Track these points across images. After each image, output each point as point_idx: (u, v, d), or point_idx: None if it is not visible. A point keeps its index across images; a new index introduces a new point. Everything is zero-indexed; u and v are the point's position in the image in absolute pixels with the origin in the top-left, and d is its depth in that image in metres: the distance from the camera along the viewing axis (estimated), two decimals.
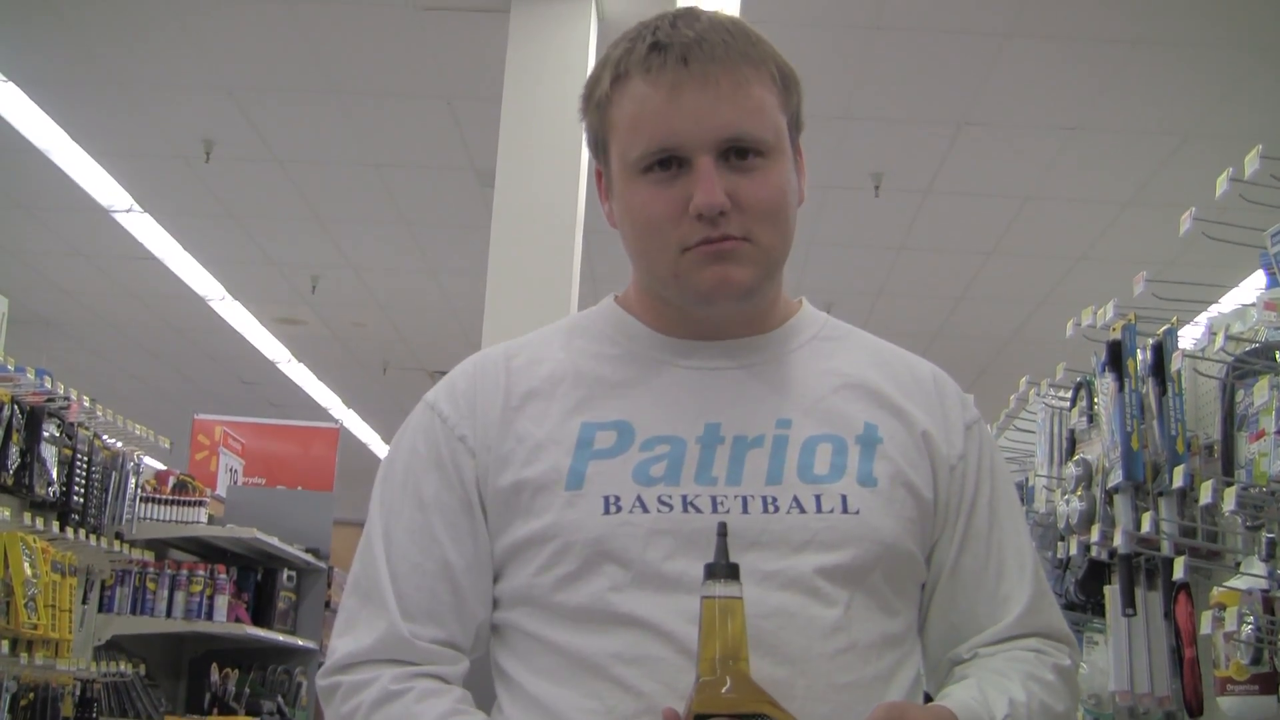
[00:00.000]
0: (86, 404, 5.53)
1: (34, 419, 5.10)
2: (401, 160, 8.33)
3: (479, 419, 1.61)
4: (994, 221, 8.85)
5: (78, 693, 5.65)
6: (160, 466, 7.65)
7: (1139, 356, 3.13)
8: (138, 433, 6.08)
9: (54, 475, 5.25)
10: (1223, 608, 2.64)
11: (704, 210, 1.51)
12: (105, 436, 5.90)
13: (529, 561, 1.54)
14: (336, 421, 12.62)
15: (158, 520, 6.55)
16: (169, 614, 6.52)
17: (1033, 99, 7.17)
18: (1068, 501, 3.41)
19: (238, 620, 6.78)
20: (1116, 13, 6.28)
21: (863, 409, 1.62)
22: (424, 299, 10.94)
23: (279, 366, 13.07)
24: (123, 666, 6.03)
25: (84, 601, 5.81)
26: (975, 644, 1.62)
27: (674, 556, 1.49)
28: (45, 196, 8.99)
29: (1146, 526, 3.00)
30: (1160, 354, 3.07)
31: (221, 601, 6.64)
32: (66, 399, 5.34)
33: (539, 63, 6.28)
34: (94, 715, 5.77)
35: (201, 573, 6.62)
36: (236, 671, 7.19)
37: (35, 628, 4.96)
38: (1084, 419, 3.57)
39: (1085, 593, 3.46)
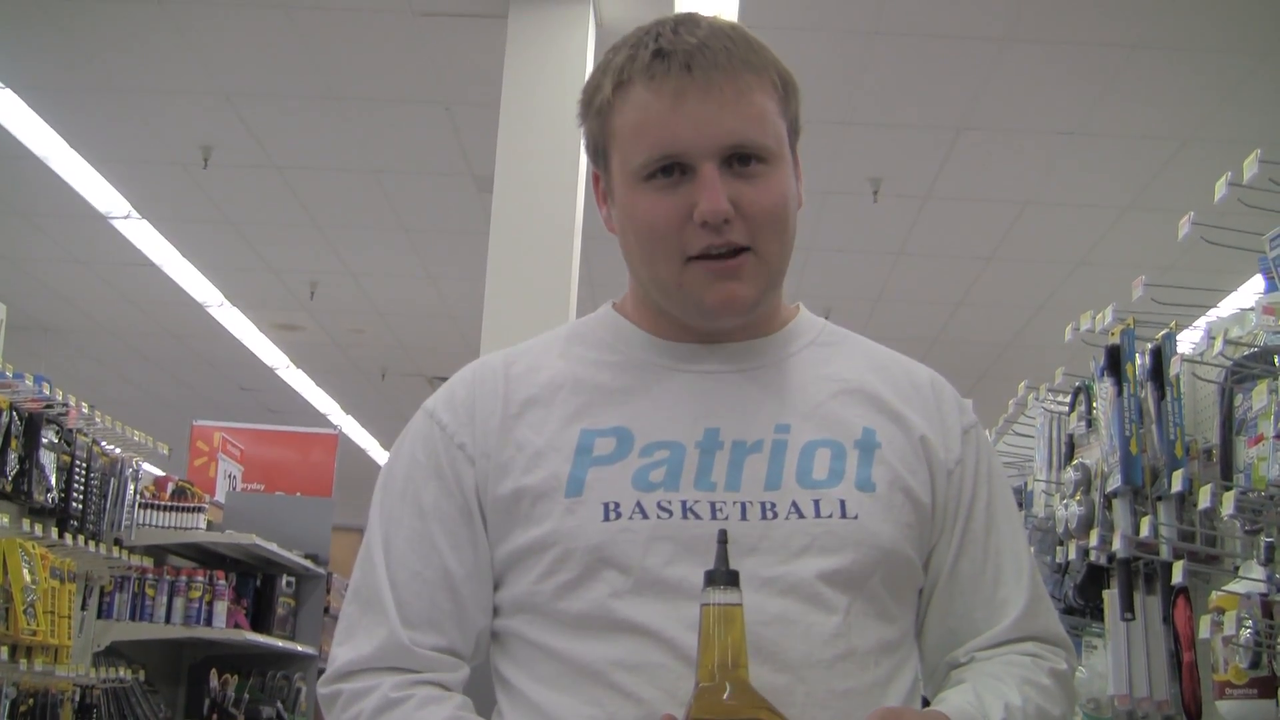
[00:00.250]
0: (85, 410, 5.53)
1: (33, 425, 5.10)
2: (400, 166, 8.33)
3: (478, 427, 1.61)
4: (993, 226, 8.86)
5: (77, 699, 5.65)
6: (159, 472, 7.64)
7: (1138, 361, 3.14)
8: (136, 439, 6.08)
9: (53, 481, 5.25)
10: (1221, 612, 2.64)
11: (709, 217, 1.52)
12: (104, 443, 5.90)
13: (529, 569, 1.54)
14: (335, 427, 12.64)
15: (157, 526, 6.55)
16: (168, 620, 6.52)
17: (1031, 104, 7.17)
18: (1066, 506, 3.41)
19: (237, 626, 6.77)
20: (1115, 17, 6.29)
21: (861, 414, 1.62)
22: (422, 305, 10.94)
23: (277, 373, 13.07)
24: (122, 672, 6.03)
25: (83, 608, 5.81)
26: (972, 648, 1.62)
27: (674, 562, 1.49)
28: (43, 203, 8.99)
29: (1145, 531, 3.00)
30: (1159, 358, 3.07)
31: (221, 607, 6.64)
32: (65, 405, 5.34)
33: (537, 68, 6.28)
34: None
35: (200, 579, 6.62)
36: (236, 677, 7.19)
37: (34, 634, 4.95)
38: (1083, 423, 3.58)
39: (1084, 597, 3.46)
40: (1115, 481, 3.11)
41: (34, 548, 5.04)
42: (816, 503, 1.54)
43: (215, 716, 6.96)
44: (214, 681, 7.07)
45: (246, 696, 7.17)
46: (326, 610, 7.66)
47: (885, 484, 1.57)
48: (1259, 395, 2.63)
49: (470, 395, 1.64)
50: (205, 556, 7.19)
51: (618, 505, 1.52)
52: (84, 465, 5.57)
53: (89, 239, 9.65)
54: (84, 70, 7.22)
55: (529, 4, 6.35)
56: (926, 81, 7.00)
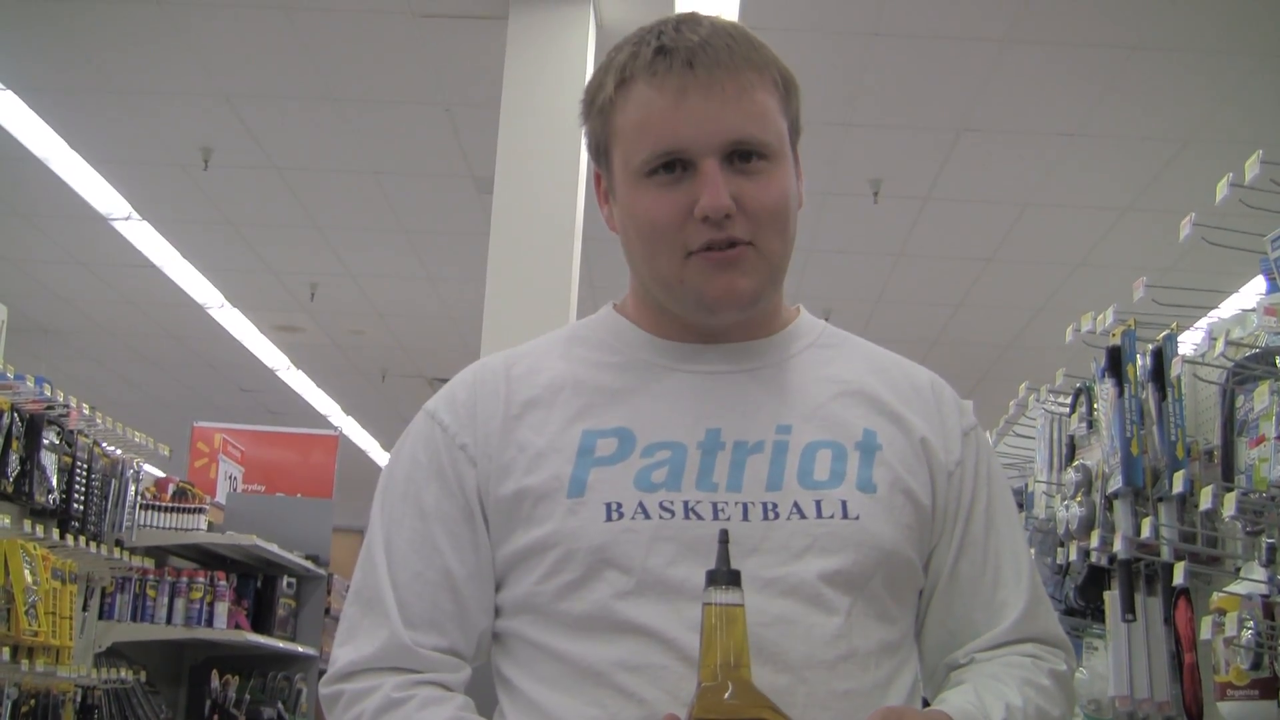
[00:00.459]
0: (86, 412, 5.53)
1: (33, 427, 5.10)
2: (400, 167, 8.33)
3: (480, 428, 1.61)
4: (993, 228, 8.86)
5: (78, 700, 5.65)
6: (160, 474, 7.65)
7: (1139, 362, 3.14)
8: (137, 440, 6.08)
9: (54, 483, 5.25)
10: (1223, 613, 2.64)
11: (710, 213, 1.52)
12: (105, 444, 5.90)
13: (531, 570, 1.55)
14: (336, 429, 12.63)
15: (158, 527, 6.56)
16: (169, 621, 6.53)
17: (1032, 105, 7.17)
18: (1067, 507, 3.41)
19: (238, 627, 6.78)
20: (1115, 18, 6.28)
21: (862, 416, 1.62)
22: (423, 306, 10.94)
23: (278, 374, 13.07)
24: (123, 673, 6.03)
25: (84, 608, 5.81)
26: (972, 649, 1.62)
27: (676, 563, 1.49)
28: (44, 204, 8.99)
29: (1146, 532, 3.00)
30: (1160, 359, 3.07)
31: (221, 608, 6.64)
32: (66, 407, 5.34)
33: (537, 69, 6.28)
34: None
35: (201, 580, 6.62)
36: (237, 678, 7.19)
37: (36, 635, 4.96)
38: (1084, 425, 3.57)
39: (1085, 598, 3.46)
40: (1116, 483, 3.11)
41: (35, 549, 5.05)
42: (818, 503, 1.54)
43: (216, 717, 6.97)
44: (215, 682, 7.07)
45: (247, 697, 7.17)
46: (327, 611, 7.67)
47: (886, 485, 1.58)
48: (1260, 396, 2.63)
49: (471, 396, 1.64)
50: (206, 557, 7.19)
51: (620, 506, 1.52)
52: (85, 466, 5.58)
53: (89, 240, 9.65)
54: (84, 71, 7.22)
55: (529, 5, 6.35)
56: (927, 83, 7.00)
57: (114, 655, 6.19)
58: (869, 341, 1.75)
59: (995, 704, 1.50)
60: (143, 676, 6.35)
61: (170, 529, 6.62)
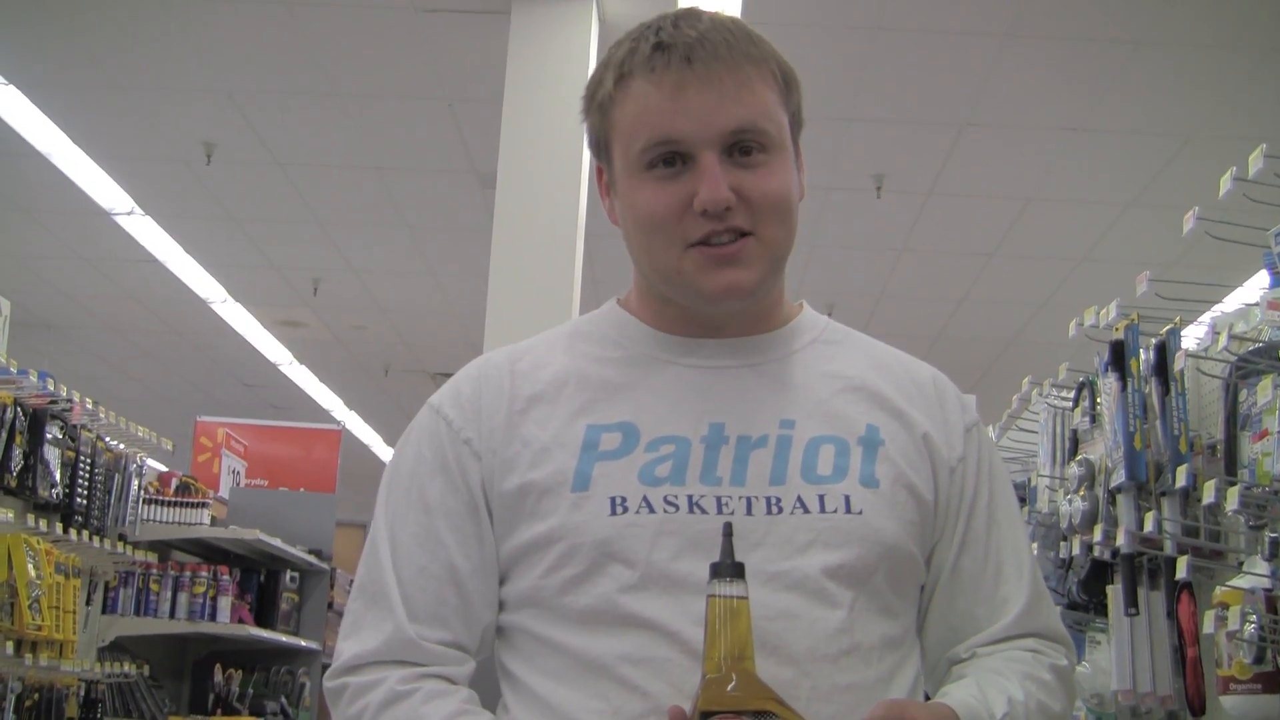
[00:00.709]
0: (89, 406, 5.53)
1: (37, 421, 5.11)
2: (402, 163, 8.33)
3: (484, 422, 1.61)
4: (996, 223, 8.85)
5: (82, 694, 5.65)
6: (163, 468, 7.65)
7: (1142, 356, 3.13)
8: (140, 435, 6.09)
9: (57, 477, 5.26)
10: (1226, 607, 2.64)
11: (710, 205, 1.53)
12: (108, 439, 5.91)
13: (536, 564, 1.55)
14: (338, 423, 12.63)
15: (161, 522, 6.56)
16: (172, 615, 6.53)
17: (1035, 100, 7.17)
18: (1070, 501, 3.41)
19: (241, 621, 6.78)
20: (1118, 14, 6.28)
21: (864, 411, 1.63)
22: (425, 301, 10.95)
23: (281, 369, 13.08)
24: (127, 667, 6.03)
25: (88, 603, 5.82)
26: (973, 644, 1.63)
27: (680, 557, 1.50)
28: (46, 199, 8.99)
29: (1149, 526, 3.00)
30: (1163, 354, 3.07)
31: (225, 602, 6.65)
32: (69, 401, 5.35)
33: (540, 64, 6.28)
34: (98, 716, 5.77)
35: (205, 574, 6.63)
36: (240, 672, 7.19)
37: (39, 629, 4.96)
38: (1086, 419, 3.58)
39: (1088, 593, 3.46)
40: (1119, 477, 3.11)
41: (39, 543, 5.05)
42: (821, 498, 1.54)
43: (220, 711, 6.97)
44: (218, 676, 7.08)
45: (251, 691, 7.18)
46: (330, 605, 7.68)
47: (889, 481, 1.58)
48: (1264, 390, 2.63)
49: (476, 391, 1.65)
50: (209, 552, 7.20)
51: (624, 500, 1.53)
52: (88, 461, 5.58)
53: (92, 235, 9.65)
54: (87, 67, 7.22)
55: (531, 0, 6.35)
56: (930, 78, 6.99)
57: (117, 649, 6.20)
58: (871, 337, 1.76)
59: (997, 698, 1.51)
60: (146, 671, 6.36)
61: (173, 523, 6.62)
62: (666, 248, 1.57)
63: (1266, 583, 2.56)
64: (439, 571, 1.58)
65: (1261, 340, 2.78)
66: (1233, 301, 3.31)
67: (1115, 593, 3.22)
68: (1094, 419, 3.51)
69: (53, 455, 5.22)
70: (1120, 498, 3.16)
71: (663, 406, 1.60)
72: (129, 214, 9.23)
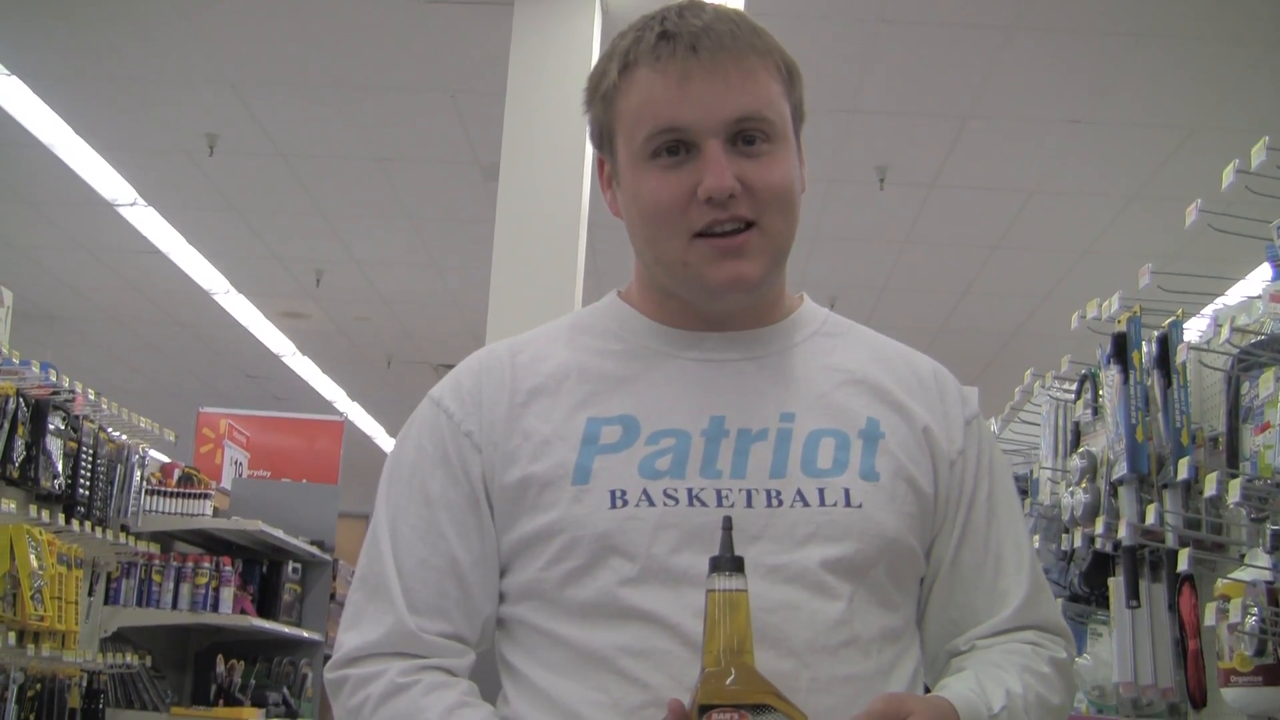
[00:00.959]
0: (91, 397, 5.54)
1: (39, 412, 5.11)
2: (405, 154, 8.33)
3: (485, 415, 1.61)
4: (999, 215, 8.85)
5: (84, 684, 5.66)
6: (165, 459, 7.66)
7: (1144, 349, 3.14)
8: (143, 426, 6.09)
9: (59, 468, 5.26)
10: (1227, 599, 2.64)
11: (714, 193, 1.53)
12: (110, 429, 5.91)
13: (536, 556, 1.55)
14: (341, 415, 12.63)
15: (163, 513, 6.57)
16: (175, 606, 6.53)
17: (1038, 93, 7.16)
18: (1072, 494, 3.42)
19: (243, 612, 6.79)
20: (1121, 6, 6.27)
21: (865, 404, 1.63)
22: (428, 293, 10.95)
23: (283, 360, 13.08)
24: (129, 658, 6.04)
25: (90, 593, 5.82)
26: (973, 636, 1.63)
27: (680, 550, 1.50)
28: (49, 191, 8.99)
29: (1151, 519, 3.00)
30: (1165, 346, 3.08)
31: (227, 593, 6.65)
32: (71, 392, 5.35)
33: (543, 56, 6.27)
34: (100, 707, 5.78)
35: (207, 565, 6.63)
36: (242, 663, 7.20)
37: (42, 620, 4.97)
38: (1089, 411, 3.58)
39: (1090, 585, 3.47)
40: (1121, 469, 3.11)
41: (41, 534, 5.06)
42: (821, 491, 1.55)
43: (222, 702, 6.97)
44: (220, 667, 7.09)
45: (253, 682, 7.18)
46: (332, 597, 7.68)
47: (889, 474, 1.58)
48: (1266, 383, 2.63)
49: (477, 384, 1.65)
50: (211, 543, 7.20)
51: (624, 493, 1.53)
52: (90, 452, 5.58)
53: (95, 226, 9.65)
54: (90, 58, 7.22)
55: None
56: (933, 70, 6.99)
57: (119, 640, 6.21)
58: (873, 330, 1.76)
59: (996, 691, 1.51)
60: (148, 661, 6.37)
61: (176, 514, 6.63)
62: (671, 238, 1.57)
63: (1268, 575, 2.56)
64: (440, 564, 1.58)
65: (1264, 333, 2.78)
66: (1235, 294, 3.32)
67: (1117, 585, 3.22)
68: (1096, 411, 3.51)
69: (55, 446, 5.23)
70: (1122, 490, 3.17)
71: (663, 400, 1.60)
72: (131, 205, 9.22)
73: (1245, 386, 2.80)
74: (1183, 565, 2.90)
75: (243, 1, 6.61)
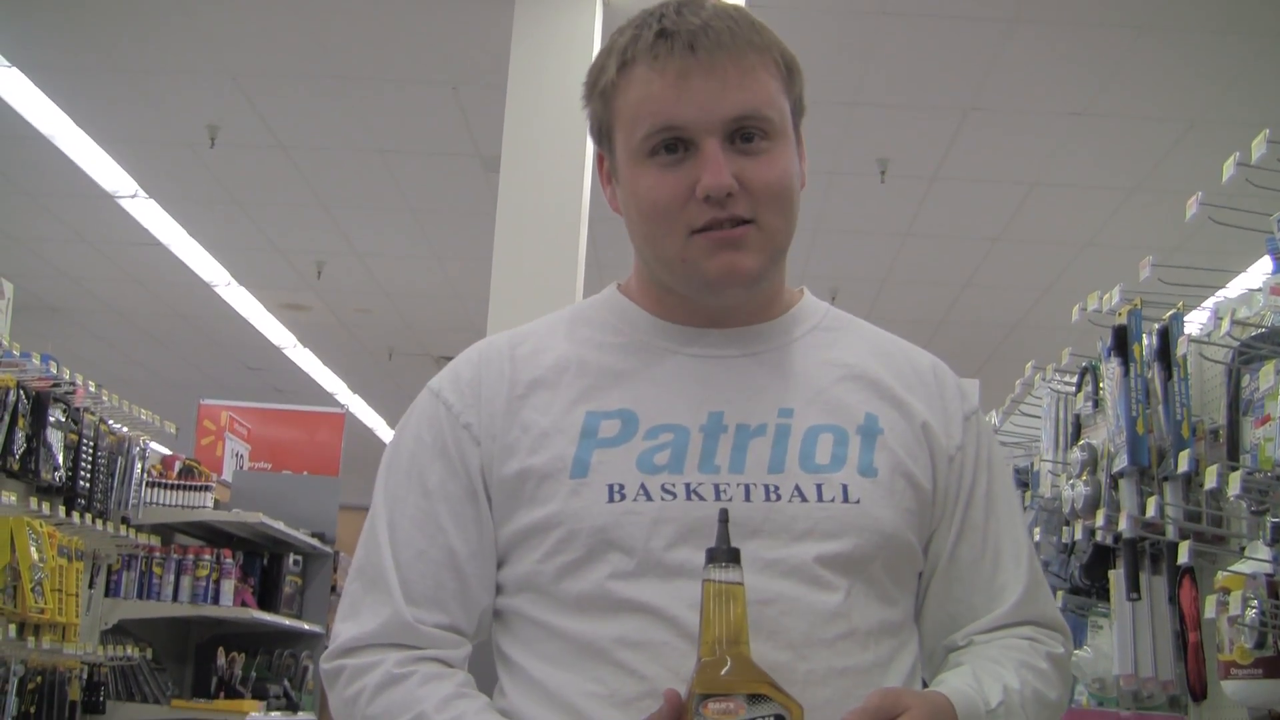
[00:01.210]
0: (92, 389, 5.54)
1: (40, 404, 5.11)
2: (406, 146, 8.33)
3: (484, 407, 1.61)
4: (1000, 208, 8.85)
5: (85, 676, 5.68)
6: (166, 451, 7.67)
7: (1145, 341, 3.14)
8: (143, 418, 6.10)
9: (60, 460, 5.27)
10: (1227, 592, 2.64)
11: (712, 191, 1.52)
12: (111, 422, 5.92)
13: (533, 549, 1.55)
14: (342, 407, 12.64)
15: (164, 505, 6.57)
16: (175, 598, 6.54)
17: (1039, 85, 7.15)
18: (1073, 486, 3.42)
19: (244, 604, 6.79)
20: None
21: (864, 400, 1.63)
22: (429, 285, 10.95)
23: (284, 352, 13.08)
24: (130, 650, 6.05)
25: (90, 586, 5.83)
26: (970, 632, 1.63)
27: (677, 544, 1.50)
28: (50, 183, 8.99)
29: (1151, 511, 3.00)
30: (1166, 339, 3.08)
31: (228, 586, 6.66)
32: (72, 384, 5.36)
33: (544, 48, 6.27)
34: (101, 699, 5.80)
35: (208, 557, 6.64)
36: (243, 655, 7.21)
37: (42, 612, 4.98)
38: (1089, 404, 3.57)
39: (1090, 577, 3.47)
40: (1121, 462, 3.11)
41: (41, 526, 5.06)
42: (819, 487, 1.55)
43: (222, 694, 6.98)
44: (221, 660, 7.09)
45: (254, 674, 7.19)
46: (333, 589, 7.68)
47: (887, 469, 1.58)
48: (1266, 376, 2.63)
49: (476, 376, 1.65)
50: (212, 535, 7.21)
51: (622, 487, 1.53)
52: (91, 444, 5.59)
53: (96, 219, 9.65)
54: (91, 50, 7.22)
55: None
56: (934, 62, 6.98)
57: (120, 632, 6.21)
58: (873, 324, 1.75)
59: (993, 686, 1.51)
60: (149, 654, 6.38)
61: (176, 506, 6.64)
62: (669, 235, 1.57)
63: (1268, 568, 2.56)
64: (437, 555, 1.58)
65: (1264, 325, 2.78)
66: (1236, 287, 3.31)
67: (1117, 578, 3.22)
68: (1097, 404, 3.51)
69: (55, 438, 5.23)
70: (1122, 482, 3.17)
71: (663, 395, 1.60)
72: (132, 197, 9.22)
73: (1246, 379, 2.80)
74: (1183, 558, 2.90)
75: None
